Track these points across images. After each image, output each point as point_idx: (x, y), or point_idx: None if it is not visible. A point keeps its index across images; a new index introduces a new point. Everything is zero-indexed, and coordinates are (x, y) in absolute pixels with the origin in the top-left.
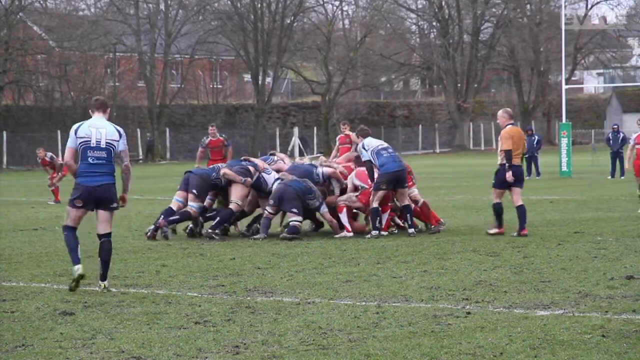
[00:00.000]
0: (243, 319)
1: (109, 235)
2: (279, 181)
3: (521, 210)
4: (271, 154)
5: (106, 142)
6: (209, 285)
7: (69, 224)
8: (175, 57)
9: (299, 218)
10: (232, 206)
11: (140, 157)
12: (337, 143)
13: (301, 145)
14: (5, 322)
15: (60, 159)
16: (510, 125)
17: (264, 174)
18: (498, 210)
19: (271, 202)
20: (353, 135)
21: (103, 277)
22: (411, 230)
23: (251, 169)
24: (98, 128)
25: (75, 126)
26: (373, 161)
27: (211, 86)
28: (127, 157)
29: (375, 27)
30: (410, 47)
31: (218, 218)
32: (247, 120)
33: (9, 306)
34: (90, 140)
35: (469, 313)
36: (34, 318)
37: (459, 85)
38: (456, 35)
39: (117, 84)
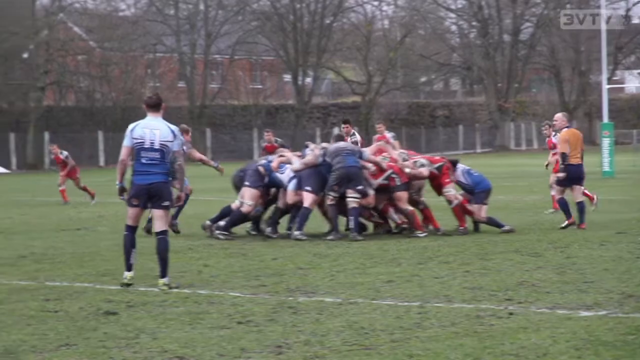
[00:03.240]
0: (285, 319)
1: (164, 232)
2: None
3: (580, 206)
4: (305, 146)
5: (160, 143)
6: (251, 285)
7: (128, 222)
8: (215, 57)
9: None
10: (243, 208)
11: None
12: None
13: None
14: (49, 322)
15: (71, 161)
16: (566, 128)
17: (276, 174)
18: (563, 204)
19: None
20: (389, 135)
21: (162, 274)
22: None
23: (261, 169)
24: (152, 129)
25: (131, 126)
26: (464, 181)
27: (251, 86)
28: (181, 157)
29: (414, 27)
30: (450, 47)
31: (229, 218)
32: (288, 121)
33: (53, 306)
34: (144, 142)
35: (511, 313)
36: (78, 318)
37: (500, 85)
38: (496, 35)
39: (157, 84)
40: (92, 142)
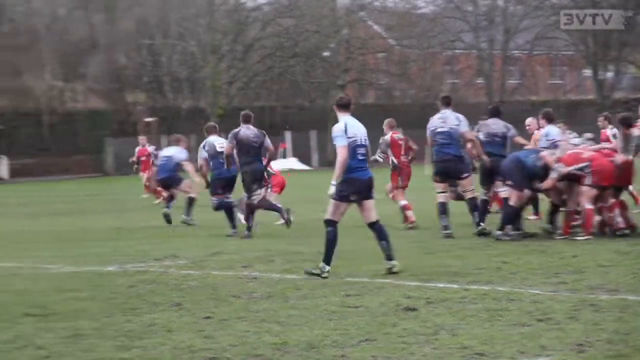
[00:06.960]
0: (587, 317)
1: (379, 221)
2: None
3: None
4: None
5: (364, 139)
6: (551, 282)
7: (334, 218)
8: (513, 53)
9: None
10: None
11: None
12: None
13: None
14: (350, 317)
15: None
16: None
17: None
18: None
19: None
20: None
21: (389, 257)
22: None
23: None
24: (358, 127)
25: (341, 126)
26: None
27: (550, 82)
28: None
29: None
30: None
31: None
32: (589, 116)
33: (354, 301)
34: (357, 139)
35: None
36: (378, 313)
37: None
38: None
39: (455, 80)
40: None
